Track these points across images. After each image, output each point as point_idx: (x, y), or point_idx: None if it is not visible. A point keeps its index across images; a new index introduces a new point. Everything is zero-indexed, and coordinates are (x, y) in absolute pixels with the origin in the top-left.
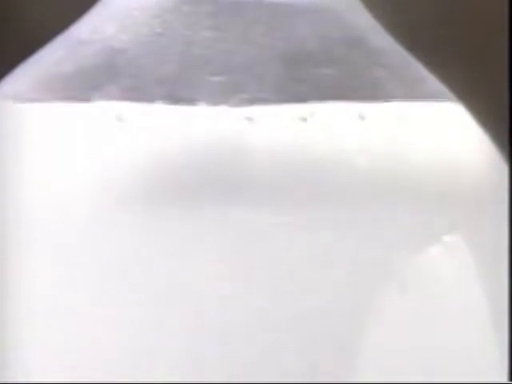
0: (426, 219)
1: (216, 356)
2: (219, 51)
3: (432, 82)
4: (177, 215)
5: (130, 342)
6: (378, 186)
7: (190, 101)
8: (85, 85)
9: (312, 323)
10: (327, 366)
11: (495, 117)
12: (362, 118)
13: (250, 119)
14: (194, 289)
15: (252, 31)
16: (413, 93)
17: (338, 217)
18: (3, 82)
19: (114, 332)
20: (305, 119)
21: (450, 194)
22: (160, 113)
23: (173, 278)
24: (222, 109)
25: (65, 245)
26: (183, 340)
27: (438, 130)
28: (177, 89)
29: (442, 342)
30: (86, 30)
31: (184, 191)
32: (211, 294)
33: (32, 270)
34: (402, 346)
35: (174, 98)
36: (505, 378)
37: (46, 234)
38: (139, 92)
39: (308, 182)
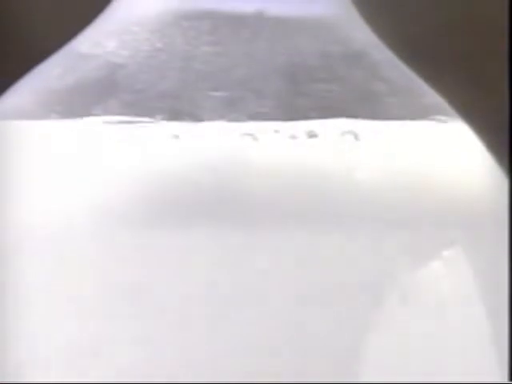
0: (427, 234)
1: (212, 365)
2: (219, 66)
3: (431, 95)
4: (176, 234)
5: (128, 355)
6: (380, 203)
7: (191, 116)
8: (85, 99)
9: (313, 332)
10: (327, 372)
11: (495, 129)
12: (363, 135)
13: (251, 136)
14: (191, 305)
15: (252, 46)
16: (412, 106)
17: (339, 231)
18: (4, 96)
19: (113, 346)
20: (307, 136)
21: (450, 210)
22: (160, 130)
23: (171, 295)
24: (223, 125)
25: (64, 261)
26: (178, 351)
27: (437, 146)
28: (177, 104)
29: (441, 351)
30: (87, 44)
31: (185, 210)
32: (209, 309)
33: (31, 285)
34: (402, 355)
35: (174, 113)
36: (505, 379)
37: (46, 250)
38: (139, 107)
39: (310, 199)
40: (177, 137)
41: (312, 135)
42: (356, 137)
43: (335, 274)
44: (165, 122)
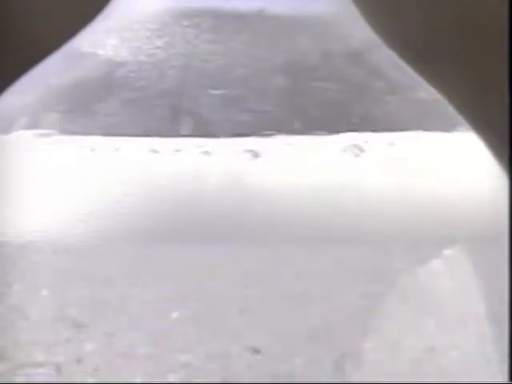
0: (427, 234)
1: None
2: (220, 64)
3: (431, 93)
4: (173, 248)
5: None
6: (381, 204)
7: (191, 114)
8: (85, 97)
9: (316, 332)
10: (329, 370)
11: (494, 126)
12: (367, 148)
13: (252, 153)
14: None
15: (253, 44)
16: (412, 104)
17: (341, 234)
18: (5, 94)
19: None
20: (311, 152)
21: (451, 209)
22: (152, 145)
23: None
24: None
25: (58, 274)
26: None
27: (437, 148)
28: (177, 102)
29: (440, 351)
30: (87, 42)
31: (185, 226)
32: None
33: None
34: (402, 354)
35: (175, 111)
36: (505, 379)
37: (44, 259)
38: (139, 105)
39: (315, 211)
40: (179, 151)
41: (316, 149)
42: (360, 150)
43: (337, 272)
44: (156, 139)
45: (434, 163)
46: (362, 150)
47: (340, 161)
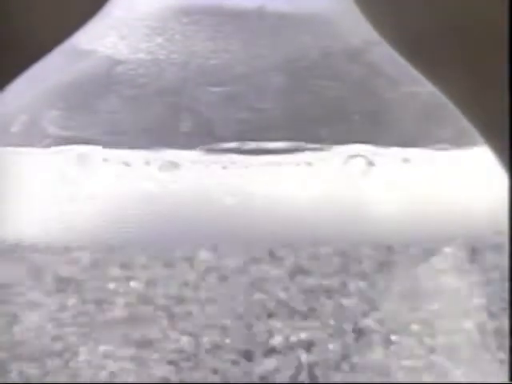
0: (427, 232)
1: None
2: (219, 62)
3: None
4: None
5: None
6: (382, 204)
7: (190, 111)
8: (85, 95)
9: (317, 329)
10: (326, 371)
11: (495, 124)
12: (367, 152)
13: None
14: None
15: (253, 42)
16: (412, 102)
17: (342, 234)
18: (4, 92)
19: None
20: (306, 164)
21: (451, 207)
22: (153, 157)
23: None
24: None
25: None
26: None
27: (438, 152)
28: (177, 99)
29: (440, 349)
30: (86, 40)
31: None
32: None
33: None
34: (403, 351)
35: (174, 109)
36: (505, 379)
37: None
38: (139, 102)
39: (315, 211)
40: (176, 165)
41: (310, 163)
42: (370, 163)
43: (338, 275)
44: (147, 153)
45: (435, 164)
46: (369, 162)
47: (342, 167)
